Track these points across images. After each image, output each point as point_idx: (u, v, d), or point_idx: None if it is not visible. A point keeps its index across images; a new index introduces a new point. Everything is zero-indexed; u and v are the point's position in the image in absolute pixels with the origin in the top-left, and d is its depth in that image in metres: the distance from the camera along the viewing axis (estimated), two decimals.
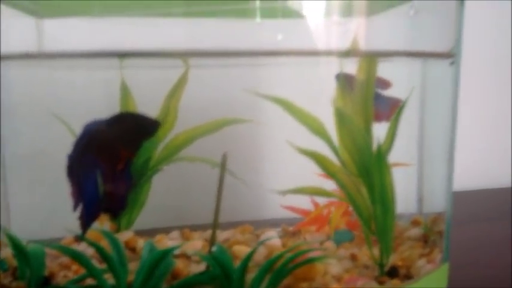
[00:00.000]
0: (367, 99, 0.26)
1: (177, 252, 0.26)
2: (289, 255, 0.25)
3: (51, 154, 0.35)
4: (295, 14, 0.29)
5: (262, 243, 0.31)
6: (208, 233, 0.38)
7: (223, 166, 0.28)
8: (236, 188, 0.38)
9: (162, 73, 0.33)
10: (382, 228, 0.27)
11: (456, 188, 0.63)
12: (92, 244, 0.25)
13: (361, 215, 0.27)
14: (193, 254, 0.28)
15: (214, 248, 0.28)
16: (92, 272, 0.24)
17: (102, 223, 0.35)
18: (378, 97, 0.31)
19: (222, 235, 0.37)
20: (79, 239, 0.31)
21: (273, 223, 0.39)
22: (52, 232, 0.33)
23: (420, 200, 0.37)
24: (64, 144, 0.34)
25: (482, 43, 0.66)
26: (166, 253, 0.24)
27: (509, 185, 0.65)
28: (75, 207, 0.26)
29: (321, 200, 0.35)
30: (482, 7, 0.63)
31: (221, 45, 0.31)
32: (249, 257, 0.24)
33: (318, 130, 0.26)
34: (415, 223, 0.36)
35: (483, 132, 0.67)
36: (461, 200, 0.59)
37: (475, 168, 0.67)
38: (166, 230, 0.38)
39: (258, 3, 0.29)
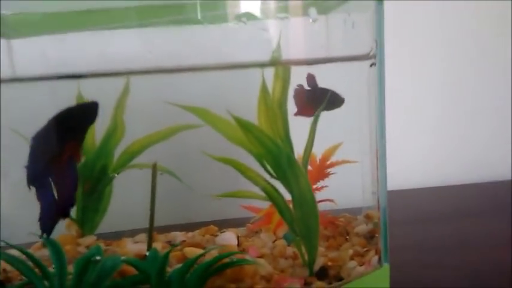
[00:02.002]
0: (282, 105, 0.27)
1: (98, 257, 0.27)
2: (211, 257, 0.27)
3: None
4: (220, 20, 0.30)
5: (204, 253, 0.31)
6: (172, 235, 0.40)
7: (154, 176, 0.29)
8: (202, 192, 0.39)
9: (115, 81, 0.35)
10: (305, 231, 0.28)
11: (457, 181, 0.62)
12: (24, 252, 0.27)
13: (284, 218, 0.28)
14: (123, 259, 0.30)
15: (148, 253, 0.30)
16: (27, 276, 0.27)
17: (69, 228, 0.38)
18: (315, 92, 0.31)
19: (181, 237, 0.39)
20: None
21: (240, 222, 0.41)
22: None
23: (374, 194, 0.37)
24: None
25: (480, 36, 0.64)
26: (88, 259, 0.26)
27: (510, 178, 0.63)
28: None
29: None
30: None
31: (161, 55, 0.33)
32: (163, 261, 0.26)
33: (234, 138, 0.27)
34: (367, 217, 0.37)
35: (483, 126, 0.66)
36: (462, 193, 0.58)
37: (476, 162, 0.66)
38: (136, 232, 0.40)
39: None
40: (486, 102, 0.65)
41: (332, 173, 0.35)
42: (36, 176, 0.27)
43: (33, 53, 0.37)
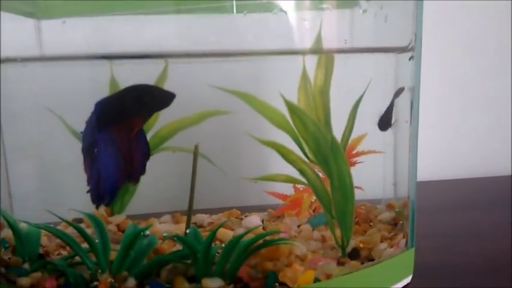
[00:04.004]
0: (324, 93, 0.28)
1: (147, 232, 0.28)
2: (251, 236, 0.28)
3: (47, 145, 0.39)
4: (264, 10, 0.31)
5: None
6: (197, 217, 0.41)
7: (195, 156, 0.30)
8: (223, 178, 0.40)
9: (148, 67, 0.35)
10: (341, 213, 0.29)
11: (455, 175, 0.64)
12: (72, 225, 0.28)
13: (321, 201, 0.29)
14: (166, 235, 0.31)
15: (188, 231, 0.31)
16: (74, 249, 0.27)
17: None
18: None
19: (208, 219, 0.40)
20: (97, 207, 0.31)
21: (261, 208, 0.42)
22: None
23: (395, 185, 0.39)
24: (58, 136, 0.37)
25: (482, 31, 0.66)
26: (137, 233, 0.27)
27: (509, 173, 0.65)
28: (88, 181, 0.29)
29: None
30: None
31: (199, 41, 0.34)
32: (211, 237, 0.27)
33: (279, 122, 0.28)
34: (389, 207, 0.38)
35: (483, 120, 0.68)
36: (461, 187, 0.61)
37: (475, 156, 0.68)
38: (160, 215, 0.41)
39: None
40: (488, 97, 0.67)
41: (359, 162, 0.36)
42: (98, 143, 0.27)
43: (64, 36, 0.37)
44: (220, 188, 0.40)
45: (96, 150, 0.27)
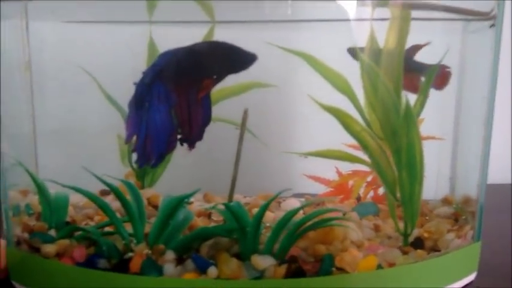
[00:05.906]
0: (398, 59, 0.25)
1: (191, 200, 0.25)
2: (302, 215, 0.25)
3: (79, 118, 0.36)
4: None
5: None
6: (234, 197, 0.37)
7: (243, 122, 0.27)
8: (261, 165, 0.37)
9: (189, 31, 0.33)
10: (407, 195, 0.26)
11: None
12: (112, 189, 0.25)
13: (385, 180, 0.26)
14: (209, 207, 0.28)
15: (232, 204, 0.28)
16: (109, 216, 0.25)
17: (128, 179, 0.36)
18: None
19: (244, 200, 0.37)
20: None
21: (297, 196, 0.39)
22: None
23: (452, 179, 0.35)
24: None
25: None
26: (180, 200, 0.24)
27: (510, 181, 0.61)
28: (127, 138, 0.26)
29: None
30: None
31: None
32: (262, 211, 0.24)
33: (342, 86, 0.25)
34: (445, 202, 0.35)
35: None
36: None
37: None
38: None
39: None
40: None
41: None
42: (152, 98, 0.24)
43: None
44: (255, 175, 0.37)
45: (147, 104, 0.24)
